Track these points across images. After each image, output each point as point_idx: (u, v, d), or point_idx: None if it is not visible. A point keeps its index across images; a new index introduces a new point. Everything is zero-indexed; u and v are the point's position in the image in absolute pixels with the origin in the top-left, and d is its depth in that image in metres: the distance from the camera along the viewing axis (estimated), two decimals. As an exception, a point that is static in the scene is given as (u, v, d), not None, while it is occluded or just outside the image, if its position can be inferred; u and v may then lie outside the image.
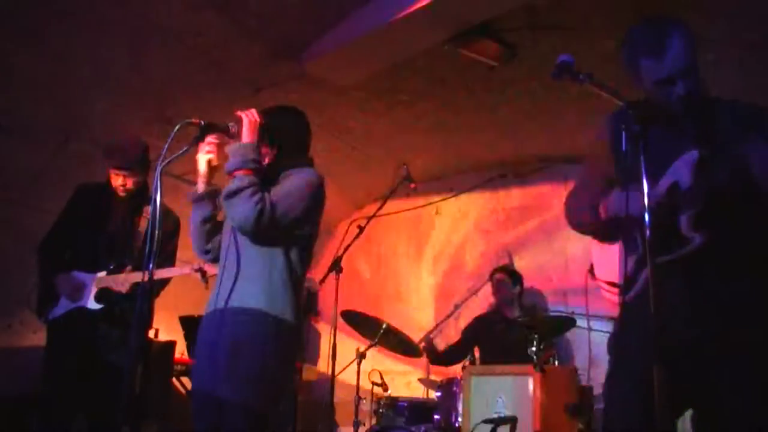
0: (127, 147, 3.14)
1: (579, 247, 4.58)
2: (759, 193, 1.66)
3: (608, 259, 2.03)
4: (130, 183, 3.12)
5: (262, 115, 2.27)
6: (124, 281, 3.00)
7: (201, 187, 2.34)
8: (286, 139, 2.32)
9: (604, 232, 2.00)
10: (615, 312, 2.05)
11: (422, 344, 4.37)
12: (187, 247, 3.19)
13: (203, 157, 2.31)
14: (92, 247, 3.11)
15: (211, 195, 2.34)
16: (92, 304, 3.03)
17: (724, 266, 1.75)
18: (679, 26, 1.80)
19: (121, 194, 3.14)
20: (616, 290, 1.96)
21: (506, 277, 4.48)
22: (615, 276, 1.98)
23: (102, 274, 3.07)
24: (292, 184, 2.21)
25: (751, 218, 1.75)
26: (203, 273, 2.84)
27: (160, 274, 2.97)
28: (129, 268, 3.05)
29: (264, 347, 2.08)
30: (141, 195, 3.19)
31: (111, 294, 3.03)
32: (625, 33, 1.90)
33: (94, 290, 3.05)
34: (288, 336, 2.15)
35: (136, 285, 2.99)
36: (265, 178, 2.20)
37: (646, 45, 1.81)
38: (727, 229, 1.73)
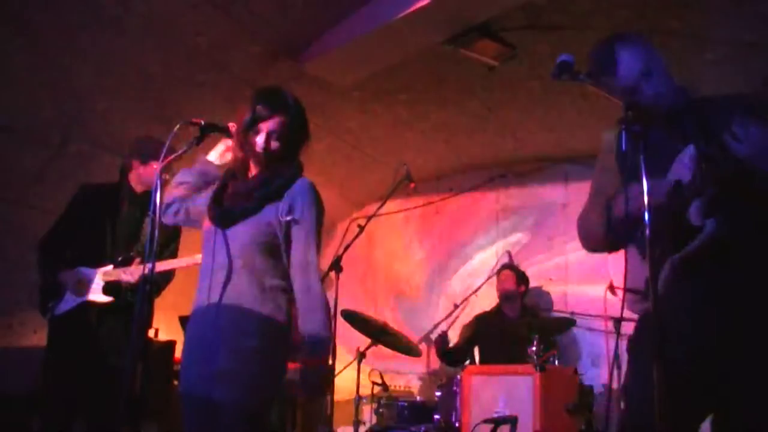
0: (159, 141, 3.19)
1: (579, 247, 4.57)
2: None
3: (624, 267, 2.02)
4: None
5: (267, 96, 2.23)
6: (133, 272, 3.00)
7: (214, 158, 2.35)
8: (293, 140, 2.23)
9: (617, 238, 2.00)
10: (616, 313, 2.05)
11: (437, 338, 4.42)
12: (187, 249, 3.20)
13: (221, 148, 2.34)
14: (98, 244, 3.11)
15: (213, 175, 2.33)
16: (100, 297, 3.02)
17: (741, 265, 1.72)
18: (623, 40, 1.92)
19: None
20: (638, 296, 1.95)
21: (512, 275, 4.51)
22: (634, 281, 1.98)
23: (109, 267, 3.06)
24: (308, 235, 2.15)
25: (761, 202, 1.74)
26: None
27: (168, 264, 3.00)
28: (138, 260, 3.05)
29: (259, 347, 2.05)
30: (150, 195, 3.18)
31: (119, 286, 3.03)
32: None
33: (101, 284, 3.04)
34: (278, 335, 2.12)
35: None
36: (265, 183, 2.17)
37: (600, 65, 1.91)
38: (740, 214, 1.71)
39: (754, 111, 1.70)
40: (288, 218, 2.12)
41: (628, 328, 2.04)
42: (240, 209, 2.15)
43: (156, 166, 3.12)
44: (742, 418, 1.69)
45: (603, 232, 2.00)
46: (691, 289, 1.69)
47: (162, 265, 2.95)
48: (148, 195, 3.17)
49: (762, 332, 1.68)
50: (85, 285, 3.05)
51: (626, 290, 1.97)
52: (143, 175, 3.17)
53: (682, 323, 1.68)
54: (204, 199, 2.30)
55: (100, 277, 3.06)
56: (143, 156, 3.16)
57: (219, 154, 2.36)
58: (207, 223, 2.24)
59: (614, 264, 2.08)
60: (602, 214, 1.97)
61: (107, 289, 3.04)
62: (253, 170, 2.23)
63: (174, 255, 3.20)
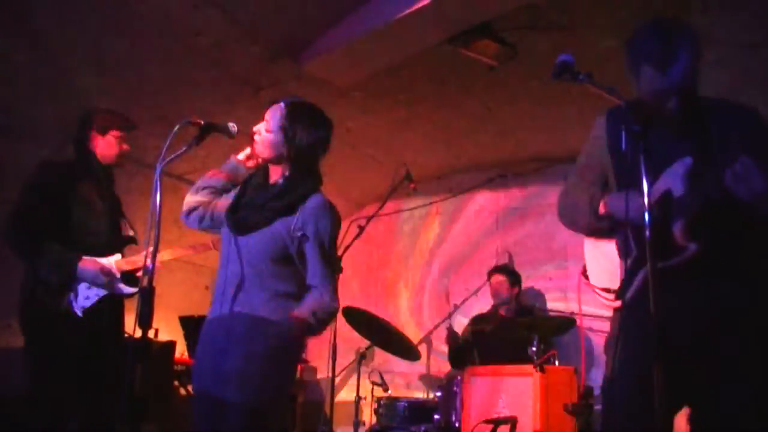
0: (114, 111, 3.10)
1: (578, 247, 4.57)
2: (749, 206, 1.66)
3: (601, 263, 2.04)
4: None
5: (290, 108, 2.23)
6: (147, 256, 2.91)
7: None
8: (309, 155, 2.26)
9: (600, 230, 2.01)
10: (611, 313, 2.06)
11: (448, 330, 4.48)
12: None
13: (243, 154, 2.37)
14: (96, 230, 2.94)
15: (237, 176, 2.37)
16: (127, 289, 2.93)
17: (719, 269, 1.75)
18: (687, 37, 1.79)
19: (118, 161, 3.06)
20: (611, 295, 1.96)
21: (503, 278, 4.49)
22: (608, 280, 1.99)
23: (117, 257, 2.96)
24: (319, 251, 2.17)
25: (745, 226, 1.74)
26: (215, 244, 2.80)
27: (173, 253, 3.03)
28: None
29: (269, 351, 2.08)
30: (111, 168, 3.10)
31: (134, 276, 2.95)
32: (634, 31, 1.87)
33: (119, 274, 2.92)
34: (287, 340, 2.14)
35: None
36: (280, 194, 2.18)
37: (651, 52, 1.79)
38: (721, 238, 1.73)
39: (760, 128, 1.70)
40: (299, 234, 2.15)
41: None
42: (252, 221, 2.18)
43: (115, 134, 3.04)
44: (714, 417, 1.71)
45: (590, 226, 2.01)
46: (665, 291, 1.69)
47: (168, 254, 2.97)
48: (111, 168, 3.08)
49: (733, 340, 1.71)
50: (110, 276, 2.88)
51: (601, 289, 1.98)
52: (104, 147, 3.03)
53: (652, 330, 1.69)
54: (225, 203, 2.31)
55: (116, 266, 2.93)
56: (102, 128, 3.03)
57: (245, 156, 2.39)
58: (224, 228, 2.28)
59: (591, 254, 2.09)
60: (589, 205, 1.97)
61: (125, 280, 2.94)
62: (274, 175, 2.25)
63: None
